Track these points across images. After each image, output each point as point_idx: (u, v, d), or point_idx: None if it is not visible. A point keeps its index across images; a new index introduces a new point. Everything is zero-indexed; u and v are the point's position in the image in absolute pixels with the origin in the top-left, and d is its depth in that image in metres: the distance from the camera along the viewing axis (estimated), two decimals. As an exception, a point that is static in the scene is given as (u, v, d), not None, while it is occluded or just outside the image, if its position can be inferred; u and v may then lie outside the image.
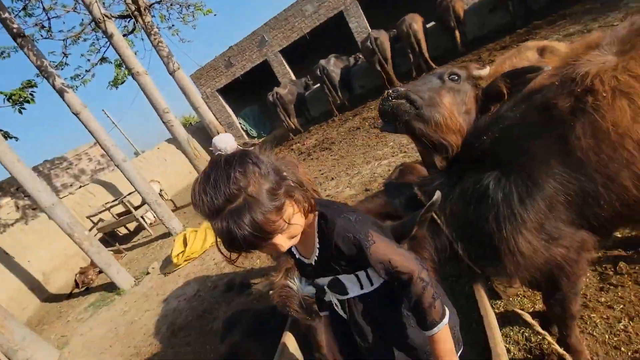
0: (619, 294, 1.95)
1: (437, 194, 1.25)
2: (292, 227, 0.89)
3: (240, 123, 16.26)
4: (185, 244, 6.31)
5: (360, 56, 12.85)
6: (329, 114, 11.22)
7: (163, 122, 9.43)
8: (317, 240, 1.04)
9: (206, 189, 0.81)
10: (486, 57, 7.62)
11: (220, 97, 15.65)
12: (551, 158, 1.29)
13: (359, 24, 12.57)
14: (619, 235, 2.27)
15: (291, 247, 1.06)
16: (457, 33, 8.89)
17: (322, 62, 10.32)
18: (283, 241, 0.88)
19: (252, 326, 2.79)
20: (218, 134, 14.40)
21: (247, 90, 17.92)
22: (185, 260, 6.16)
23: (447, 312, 0.98)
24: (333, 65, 10.41)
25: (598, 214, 1.29)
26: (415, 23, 8.95)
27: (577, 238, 1.33)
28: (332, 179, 6.13)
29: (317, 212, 1.01)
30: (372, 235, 0.97)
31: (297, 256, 1.14)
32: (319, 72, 10.31)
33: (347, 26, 12.85)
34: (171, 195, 12.59)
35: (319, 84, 11.72)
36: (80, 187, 12.40)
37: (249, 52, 14.23)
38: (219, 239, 0.87)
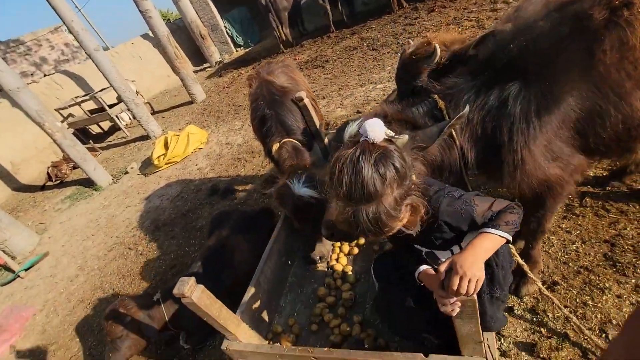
0: (579, 222, 2.20)
1: (467, 108, 1.26)
2: (402, 224, 1.05)
3: (225, 27, 14.74)
4: (166, 147, 6.19)
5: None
6: (324, 29, 10.37)
7: (140, 11, 8.36)
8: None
9: (350, 180, 0.94)
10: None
11: (204, -9, 13.83)
12: (574, 72, 1.32)
13: None
14: (591, 174, 2.46)
15: None
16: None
17: (325, -35, 9.13)
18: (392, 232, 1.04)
19: (240, 224, 2.94)
20: (201, 35, 13.05)
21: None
22: (167, 164, 6.11)
23: (510, 237, 1.08)
24: (337, -29, 9.27)
25: (599, 134, 1.38)
26: None
27: (574, 161, 1.43)
28: (324, 97, 5.95)
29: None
30: (474, 200, 1.15)
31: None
32: (320, -24, 9.19)
33: None
34: (147, 98, 11.85)
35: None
36: (45, 76, 11.32)
37: (241, -60, 12.23)
38: (338, 216, 1.01)
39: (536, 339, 1.76)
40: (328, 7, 9.66)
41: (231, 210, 3.34)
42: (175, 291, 1.27)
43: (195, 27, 13.30)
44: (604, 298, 1.80)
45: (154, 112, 10.44)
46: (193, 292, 1.28)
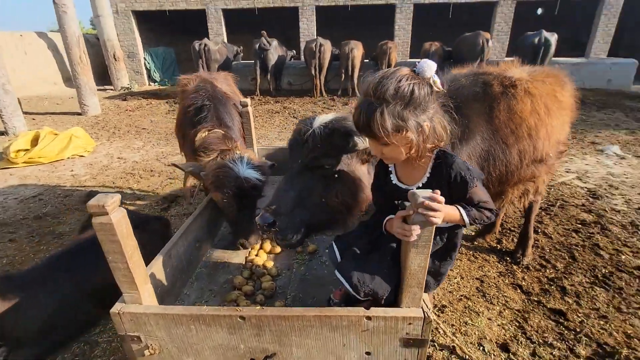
0: (457, 264, 2.63)
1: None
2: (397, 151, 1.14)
3: (145, 59, 14.16)
4: (34, 143, 5.02)
5: (294, 55, 13.25)
6: (249, 93, 10.99)
7: (54, 2, 7.49)
8: (429, 172, 1.23)
9: (392, 83, 1.07)
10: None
11: (133, 20, 13.42)
12: (482, 118, 1.79)
13: (308, 27, 13.03)
14: (464, 232, 3.05)
15: (391, 174, 1.31)
16: (384, 76, 10.25)
17: (264, 40, 10.20)
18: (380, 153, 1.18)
19: (138, 221, 2.50)
20: (114, 56, 12.18)
21: (169, 29, 15.94)
22: (26, 162, 4.88)
23: (468, 226, 1.20)
24: (274, 49, 10.39)
25: (490, 172, 1.82)
26: (357, 50, 9.92)
27: None
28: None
29: (438, 149, 1.21)
30: (475, 181, 1.18)
31: (394, 181, 1.31)
32: (257, 48, 10.11)
33: (297, 23, 13.14)
34: (19, 96, 9.77)
35: (252, 60, 11.48)
36: None
37: (189, -8, 12.87)
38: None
39: (430, 351, 1.88)
40: (258, 75, 10.47)
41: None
42: (92, 202, 0.99)
43: (110, 46, 12.39)
44: (478, 319, 2.10)
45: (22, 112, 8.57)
46: (114, 211, 1.02)
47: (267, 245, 1.93)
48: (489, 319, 2.12)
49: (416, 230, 1.01)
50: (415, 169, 1.25)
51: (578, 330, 2.02)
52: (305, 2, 12.68)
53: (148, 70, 14.37)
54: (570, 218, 3.33)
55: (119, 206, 1.06)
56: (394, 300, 1.19)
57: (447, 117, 1.25)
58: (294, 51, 13.43)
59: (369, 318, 1.12)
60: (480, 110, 1.81)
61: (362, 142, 1.46)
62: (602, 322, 2.08)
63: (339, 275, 1.21)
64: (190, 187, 3.97)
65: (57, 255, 2.09)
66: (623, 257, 2.72)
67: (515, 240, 2.88)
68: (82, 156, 5.33)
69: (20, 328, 1.80)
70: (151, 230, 2.67)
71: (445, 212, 1.04)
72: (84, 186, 4.27)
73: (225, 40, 13.40)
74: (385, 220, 1.24)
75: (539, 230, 3.08)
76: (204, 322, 1.15)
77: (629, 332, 2.01)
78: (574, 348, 1.91)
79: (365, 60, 10.98)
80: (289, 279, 1.72)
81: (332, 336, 1.16)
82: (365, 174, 1.61)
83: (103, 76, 13.32)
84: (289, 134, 6.49)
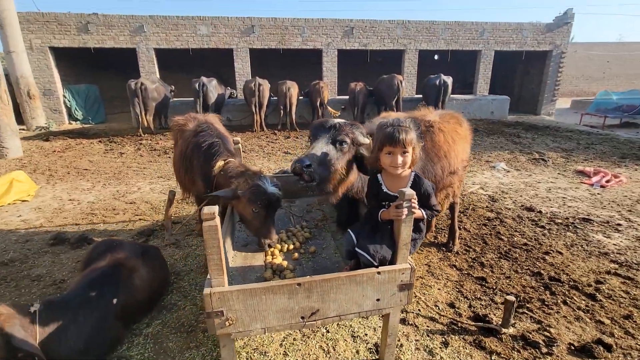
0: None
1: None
2: (412, 151, 1.92)
3: (65, 96, 13.24)
4: (-33, 190, 4.64)
5: (234, 93, 13.86)
6: (189, 128, 11.12)
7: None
8: (409, 185, 1.97)
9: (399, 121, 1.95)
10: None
11: (51, 56, 12.62)
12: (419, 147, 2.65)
13: (243, 67, 13.82)
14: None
15: (381, 185, 2.01)
16: (319, 111, 11.42)
17: (204, 79, 10.63)
18: (400, 160, 1.90)
19: (136, 251, 2.80)
20: (29, 94, 11.22)
21: (91, 65, 15.19)
22: (-42, 211, 4.47)
23: (426, 218, 2.01)
24: (213, 87, 10.85)
25: (431, 180, 2.69)
26: (293, 89, 10.97)
27: None
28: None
29: (413, 171, 2.03)
30: (433, 193, 2.01)
31: (385, 190, 2.00)
32: (197, 87, 10.47)
33: (231, 62, 13.84)
34: None
35: (187, 98, 11.70)
36: None
37: (117, 31, 12.71)
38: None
39: (405, 315, 2.58)
40: (200, 113, 10.74)
41: (119, 240, 2.99)
42: (205, 210, 1.44)
43: (24, 83, 11.41)
44: (432, 290, 2.89)
45: None
46: (216, 218, 1.48)
47: (277, 250, 2.46)
48: (438, 289, 2.92)
49: (405, 212, 1.73)
50: (398, 182, 2.00)
51: (494, 287, 2.94)
52: (239, 45, 13.53)
53: (68, 109, 13.41)
54: (480, 216, 4.48)
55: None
56: (391, 262, 1.86)
57: None
58: (234, 90, 14.02)
59: (379, 273, 1.77)
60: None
61: (365, 140, 2.21)
62: (507, 281, 3.04)
63: (359, 251, 1.84)
64: (170, 218, 4.20)
65: (86, 282, 2.29)
66: (515, 238, 3.85)
67: (447, 235, 3.83)
68: (24, 201, 5.03)
69: (63, 349, 1.99)
70: (155, 257, 2.95)
71: (417, 210, 1.82)
72: (44, 230, 4.13)
73: (158, 77, 13.37)
74: (380, 213, 1.94)
75: (462, 227, 4.12)
76: (272, 291, 1.66)
77: (523, 284, 3.00)
78: (494, 298, 2.80)
79: (299, 98, 12.12)
80: (302, 271, 2.27)
81: (356, 289, 1.76)
82: (353, 166, 2.26)
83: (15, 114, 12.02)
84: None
